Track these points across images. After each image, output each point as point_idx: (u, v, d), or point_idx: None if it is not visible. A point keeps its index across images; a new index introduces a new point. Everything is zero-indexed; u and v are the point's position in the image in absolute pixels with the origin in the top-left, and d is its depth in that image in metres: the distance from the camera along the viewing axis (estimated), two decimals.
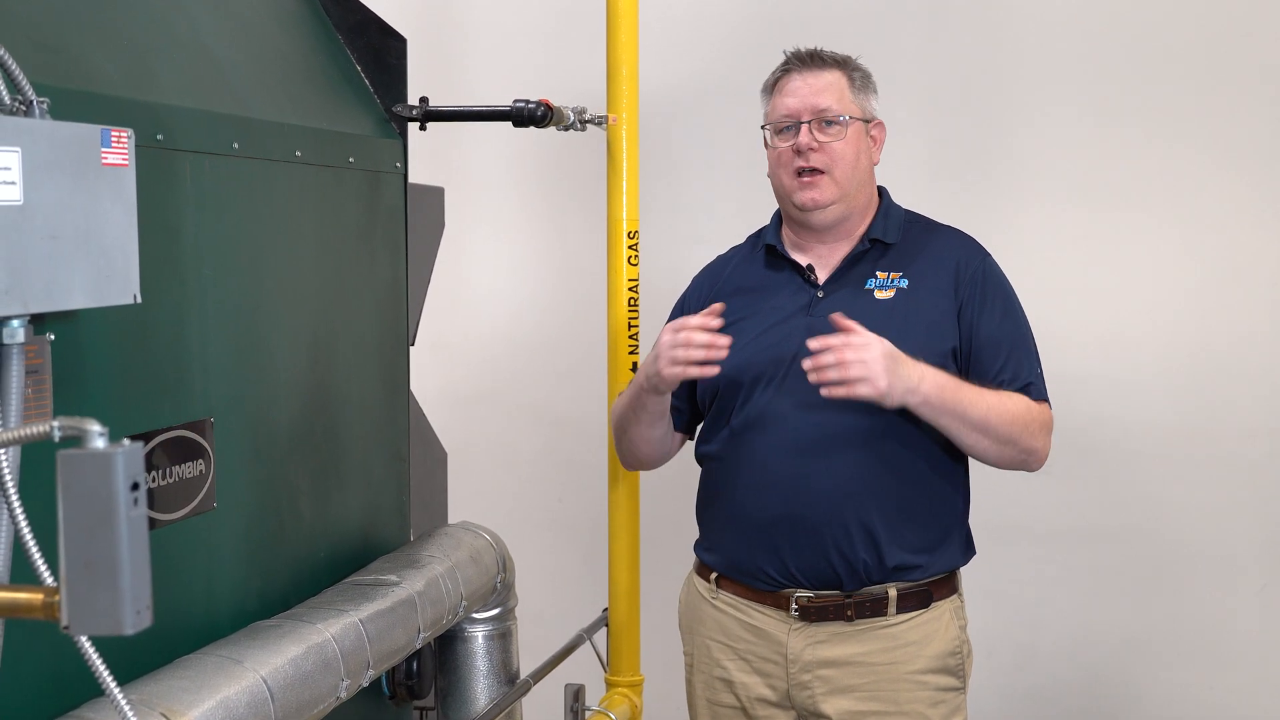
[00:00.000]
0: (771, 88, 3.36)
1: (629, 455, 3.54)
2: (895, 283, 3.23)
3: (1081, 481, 4.81)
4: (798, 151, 3.24)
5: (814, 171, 3.24)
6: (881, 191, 3.39)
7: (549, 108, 3.69)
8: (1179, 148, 4.81)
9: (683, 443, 3.55)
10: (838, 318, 3.03)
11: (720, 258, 3.56)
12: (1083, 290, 4.85)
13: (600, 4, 3.85)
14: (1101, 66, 4.84)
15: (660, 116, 4.03)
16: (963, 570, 3.33)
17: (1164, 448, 4.86)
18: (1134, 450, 4.88)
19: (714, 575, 3.38)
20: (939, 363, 3.12)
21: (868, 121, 3.30)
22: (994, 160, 4.89)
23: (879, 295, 3.23)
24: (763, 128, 3.35)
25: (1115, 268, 4.86)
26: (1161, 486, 4.87)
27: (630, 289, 3.90)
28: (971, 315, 3.21)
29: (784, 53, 3.37)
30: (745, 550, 3.28)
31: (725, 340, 3.09)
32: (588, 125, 3.87)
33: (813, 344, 3.02)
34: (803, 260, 3.32)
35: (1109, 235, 4.86)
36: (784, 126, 3.28)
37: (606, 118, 3.86)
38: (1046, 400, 3.24)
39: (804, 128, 3.24)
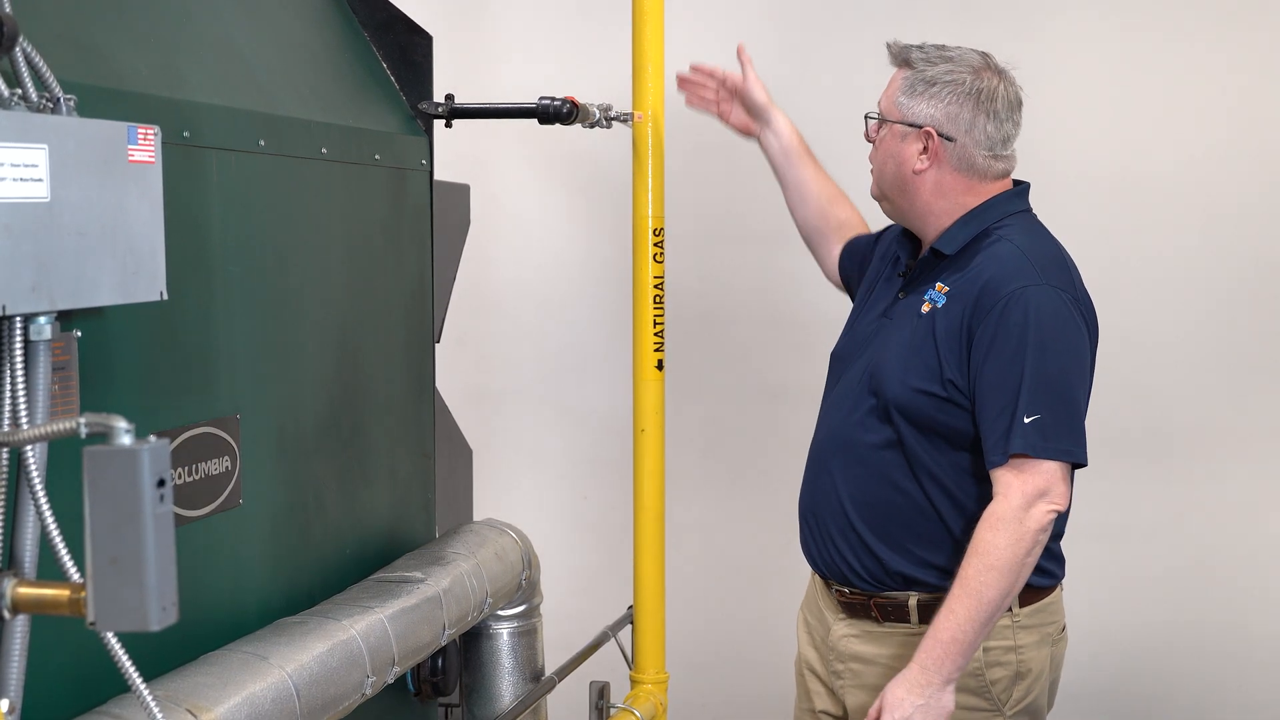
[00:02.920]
0: None
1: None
2: (939, 298, 3.14)
3: (1109, 480, 4.79)
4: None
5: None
6: (1003, 199, 3.23)
7: (575, 105, 3.69)
8: (1207, 146, 4.79)
9: (830, 252, 3.74)
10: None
11: None
12: (1109, 287, 4.83)
13: (626, 1, 3.85)
14: (1131, 63, 4.83)
15: (686, 114, 4.03)
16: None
17: (1188, 448, 4.85)
18: (1158, 450, 4.86)
19: None
20: (931, 392, 3.09)
21: (913, 127, 3.18)
22: (1022, 156, 4.88)
23: (924, 309, 3.15)
24: None
25: (1143, 264, 4.84)
26: (1189, 485, 4.86)
27: (656, 286, 3.90)
28: (979, 354, 3.05)
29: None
30: (802, 531, 3.39)
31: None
32: (613, 122, 3.86)
33: None
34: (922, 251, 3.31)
35: (1136, 232, 4.85)
36: None
37: (632, 115, 3.86)
38: (1035, 454, 2.97)
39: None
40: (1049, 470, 2.98)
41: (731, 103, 3.82)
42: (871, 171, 3.31)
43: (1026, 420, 2.97)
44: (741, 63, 3.76)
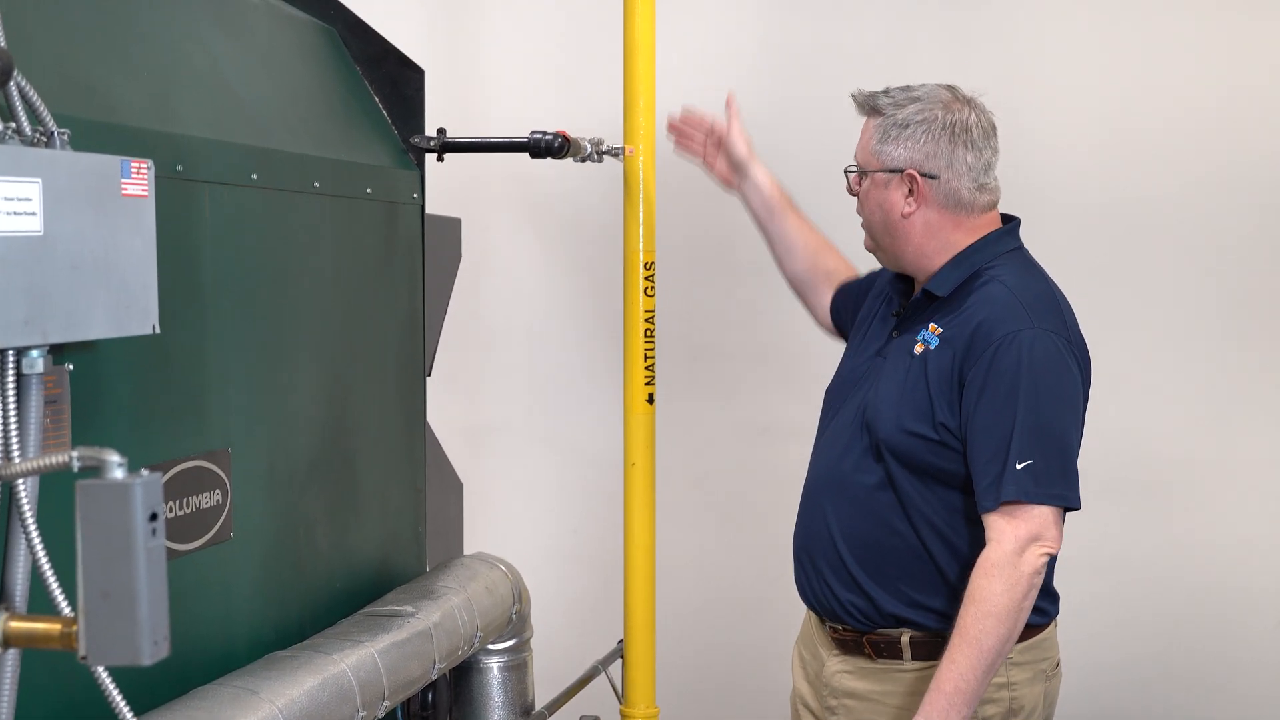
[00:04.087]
0: None
1: None
2: (931, 339, 3.13)
3: (1101, 515, 4.78)
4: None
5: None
6: (994, 238, 3.23)
7: (566, 139, 3.70)
8: (1194, 192, 4.81)
9: (821, 302, 3.75)
10: None
11: None
12: (1102, 322, 4.84)
13: (618, 36, 3.86)
14: (1118, 116, 4.85)
15: None
16: None
17: (1181, 482, 4.85)
18: (1151, 484, 4.87)
19: None
20: (922, 435, 3.09)
21: (894, 172, 3.19)
22: (1010, 195, 4.89)
23: (916, 350, 3.15)
24: None
25: (1129, 303, 4.86)
26: (1179, 521, 4.86)
27: (647, 320, 3.90)
28: (971, 398, 3.04)
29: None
30: (795, 567, 3.38)
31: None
32: (605, 157, 3.87)
33: None
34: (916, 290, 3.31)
35: (1126, 267, 4.86)
36: None
37: (623, 149, 3.86)
38: (1026, 499, 2.98)
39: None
40: (1041, 515, 2.99)
41: (718, 152, 3.84)
42: (862, 225, 3.32)
43: (1019, 466, 2.97)
44: (729, 114, 3.78)
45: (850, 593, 3.19)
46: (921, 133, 3.17)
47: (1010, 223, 3.29)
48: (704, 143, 3.86)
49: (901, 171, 3.18)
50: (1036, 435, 2.99)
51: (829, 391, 3.43)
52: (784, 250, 3.78)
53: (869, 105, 3.25)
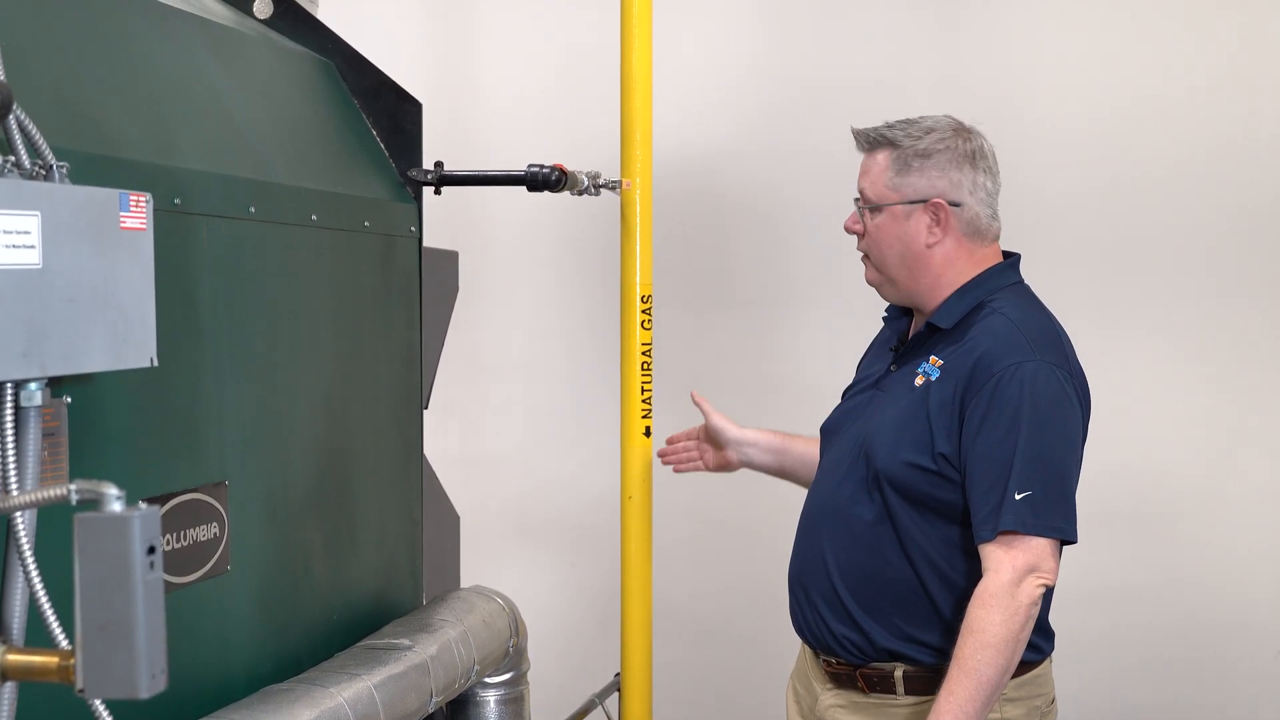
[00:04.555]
0: None
1: None
2: (932, 371, 3.14)
3: (1096, 549, 4.78)
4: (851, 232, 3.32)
5: (865, 254, 3.30)
6: (996, 271, 3.24)
7: (563, 172, 3.70)
8: (1191, 219, 4.83)
9: None
10: None
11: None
12: (1095, 359, 4.85)
13: (614, 69, 3.87)
14: (1112, 146, 4.86)
15: (674, 181, 4.05)
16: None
17: (1178, 514, 4.86)
18: (1148, 517, 4.87)
19: None
20: (921, 465, 3.09)
21: (916, 202, 3.18)
22: (1005, 231, 4.90)
23: (916, 382, 3.15)
24: None
25: (1127, 336, 4.86)
26: (1175, 553, 4.86)
27: (644, 354, 3.90)
28: (971, 429, 3.04)
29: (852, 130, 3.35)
30: (790, 599, 3.38)
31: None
32: (602, 190, 3.87)
33: None
34: (914, 326, 3.32)
35: (1120, 304, 4.87)
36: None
37: (620, 182, 3.87)
38: (1025, 530, 2.98)
39: (854, 211, 3.29)
40: (1038, 546, 2.99)
41: (706, 448, 3.83)
42: (865, 259, 3.30)
43: (1018, 497, 2.97)
44: (702, 408, 3.77)
45: (844, 626, 3.19)
46: (946, 160, 3.18)
47: (1011, 258, 3.29)
48: (698, 449, 3.84)
49: (925, 201, 3.18)
50: (1036, 466, 3.00)
51: (824, 428, 3.44)
52: (808, 470, 3.61)
53: (877, 139, 3.23)
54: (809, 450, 3.60)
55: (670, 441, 3.87)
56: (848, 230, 3.30)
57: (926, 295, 3.23)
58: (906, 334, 3.35)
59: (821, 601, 3.22)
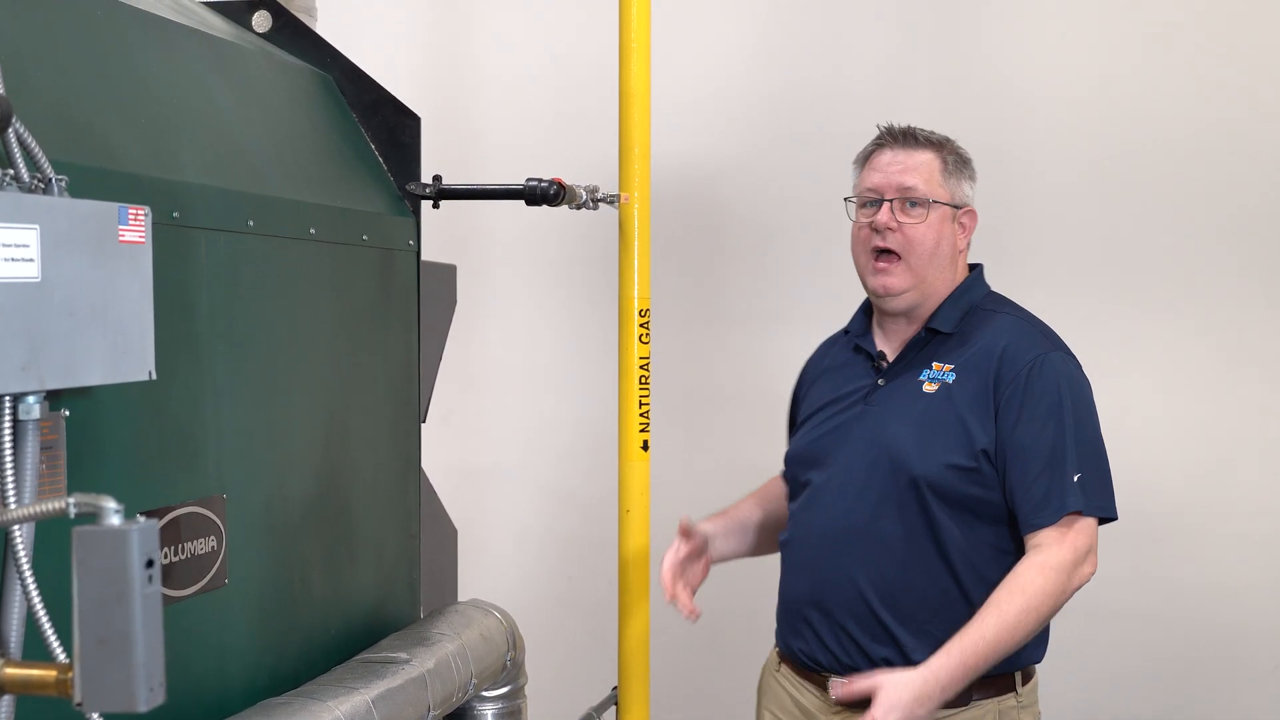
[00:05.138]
0: (864, 160, 3.28)
1: None
2: (943, 375, 3.14)
3: (1099, 553, 4.79)
4: (875, 230, 3.18)
5: (889, 254, 3.18)
6: (975, 279, 3.29)
7: (561, 186, 3.70)
8: (1189, 230, 4.83)
9: None
10: (844, 691, 3.05)
11: (831, 336, 3.53)
12: (1094, 370, 4.85)
13: (613, 83, 3.87)
14: (1111, 152, 4.87)
15: (672, 195, 4.05)
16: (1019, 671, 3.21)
17: (1176, 525, 4.85)
18: (1146, 527, 4.86)
19: (777, 649, 3.40)
20: (960, 465, 3.08)
21: (957, 208, 3.20)
22: (1003, 241, 4.91)
23: (926, 388, 3.15)
24: (847, 200, 3.29)
25: (1126, 347, 4.87)
26: (1174, 564, 4.86)
27: (641, 367, 3.90)
28: (1009, 420, 3.07)
29: (877, 127, 3.29)
30: (790, 629, 3.29)
31: (684, 602, 3.30)
32: (600, 204, 3.88)
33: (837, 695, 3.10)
34: (880, 342, 3.29)
35: (1119, 316, 4.88)
36: (867, 201, 3.21)
37: (619, 196, 3.87)
38: (1085, 510, 3.05)
39: (885, 206, 3.17)
40: (1090, 526, 3.07)
41: (698, 564, 3.46)
42: (889, 263, 3.18)
43: (1075, 479, 3.05)
44: (686, 531, 3.42)
45: (881, 645, 3.12)
46: (972, 171, 3.27)
47: (976, 268, 3.35)
48: (699, 571, 3.47)
49: (960, 207, 3.22)
50: (1084, 449, 3.08)
51: (799, 456, 3.34)
52: (773, 533, 3.53)
53: (924, 138, 3.22)
54: (763, 517, 3.54)
55: (671, 591, 3.37)
56: (881, 227, 3.17)
57: (934, 301, 3.23)
58: (875, 353, 3.29)
59: (853, 623, 3.14)
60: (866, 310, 3.38)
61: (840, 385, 3.34)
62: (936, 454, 3.10)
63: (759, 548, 3.60)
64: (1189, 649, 4.85)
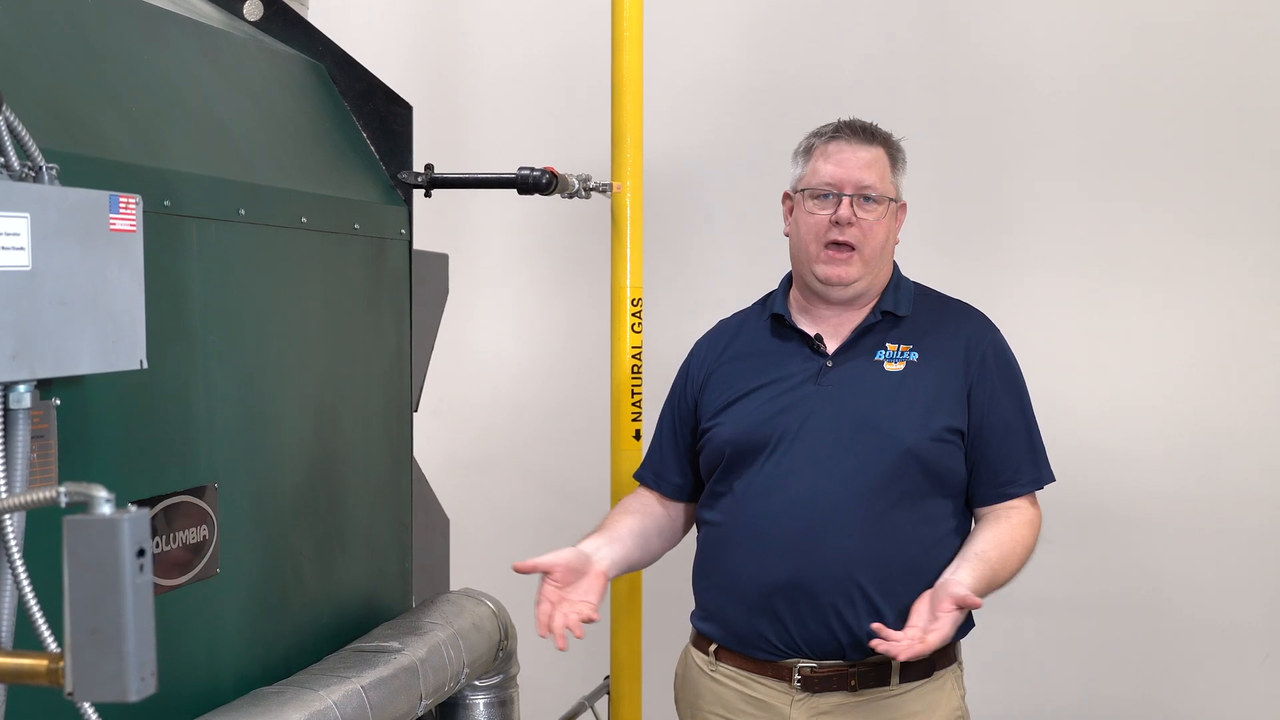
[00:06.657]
0: (811, 151, 3.27)
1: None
2: (905, 355, 3.19)
3: (1084, 551, 4.80)
4: (835, 223, 3.18)
5: (844, 246, 3.19)
6: (896, 267, 3.34)
7: (554, 175, 3.70)
8: (1180, 221, 4.84)
9: (691, 514, 3.47)
10: (887, 646, 2.95)
11: (723, 322, 3.51)
12: (1084, 362, 4.87)
13: (605, 72, 3.87)
14: (1102, 142, 4.87)
15: (664, 184, 4.06)
16: (963, 640, 3.27)
17: (1165, 517, 4.86)
18: (1135, 520, 4.87)
19: (713, 647, 3.31)
20: (943, 438, 3.14)
21: (897, 202, 3.25)
22: (996, 232, 4.91)
23: (889, 367, 3.18)
24: (797, 190, 3.27)
25: (1117, 340, 4.88)
26: (1163, 556, 4.86)
27: (634, 356, 3.91)
28: (984, 400, 3.19)
29: (839, 121, 3.28)
30: (746, 619, 3.20)
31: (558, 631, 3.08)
32: (592, 193, 3.88)
33: (892, 650, 2.95)
34: (810, 328, 3.27)
35: (1110, 308, 4.88)
36: (822, 194, 3.20)
37: (611, 185, 3.87)
38: (1045, 480, 3.29)
39: (845, 200, 3.18)
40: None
41: (584, 582, 3.27)
42: (846, 255, 3.19)
43: (1041, 452, 3.27)
44: (539, 568, 3.27)
45: (864, 619, 3.07)
46: (905, 166, 3.33)
47: None
48: (594, 590, 3.25)
49: (899, 201, 3.29)
50: (1034, 422, 3.29)
51: (737, 440, 3.23)
52: (666, 538, 3.50)
53: (879, 135, 3.27)
54: (641, 531, 3.42)
55: (544, 614, 3.21)
56: (843, 221, 3.17)
57: (877, 288, 3.28)
58: (812, 336, 3.26)
59: (843, 602, 3.10)
60: (786, 295, 3.37)
61: (771, 368, 3.28)
62: (923, 426, 3.13)
63: (647, 554, 3.48)
64: (1178, 641, 4.86)
